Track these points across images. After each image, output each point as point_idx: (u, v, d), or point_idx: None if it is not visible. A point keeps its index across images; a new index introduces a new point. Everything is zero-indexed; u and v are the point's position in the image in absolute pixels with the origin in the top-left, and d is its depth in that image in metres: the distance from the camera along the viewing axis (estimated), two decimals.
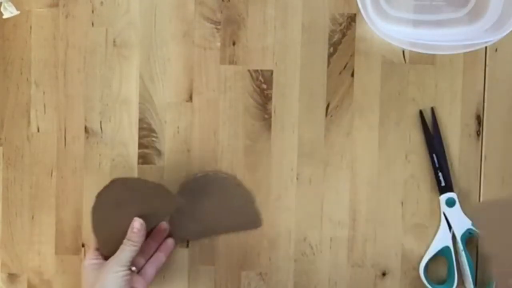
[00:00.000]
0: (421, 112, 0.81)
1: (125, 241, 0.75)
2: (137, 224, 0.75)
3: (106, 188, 0.78)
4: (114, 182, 0.78)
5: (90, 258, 0.77)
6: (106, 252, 0.76)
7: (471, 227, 0.80)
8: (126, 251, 0.75)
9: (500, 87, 0.82)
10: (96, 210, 0.78)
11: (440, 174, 0.81)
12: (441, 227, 0.81)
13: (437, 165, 0.81)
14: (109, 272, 0.74)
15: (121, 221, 0.76)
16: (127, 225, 0.76)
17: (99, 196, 0.78)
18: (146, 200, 0.77)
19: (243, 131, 0.82)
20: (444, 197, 0.81)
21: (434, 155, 0.81)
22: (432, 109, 0.81)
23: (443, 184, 0.81)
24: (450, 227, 0.80)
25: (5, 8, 0.79)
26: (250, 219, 0.82)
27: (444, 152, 0.81)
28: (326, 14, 0.81)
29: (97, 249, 0.78)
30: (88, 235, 0.82)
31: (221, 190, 0.81)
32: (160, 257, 0.79)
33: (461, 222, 0.80)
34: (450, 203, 0.80)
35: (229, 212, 0.81)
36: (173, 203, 0.78)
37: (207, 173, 0.81)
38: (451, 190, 0.81)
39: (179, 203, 0.79)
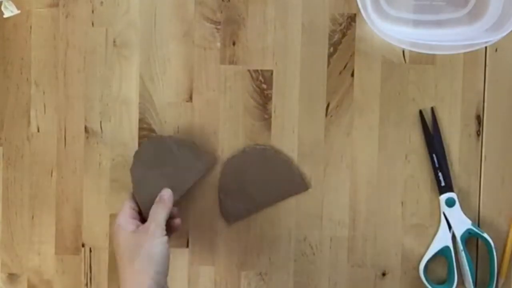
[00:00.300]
0: (421, 112, 0.81)
1: (157, 203, 0.74)
2: (165, 193, 0.75)
3: (143, 147, 0.80)
4: (150, 141, 0.80)
5: (127, 218, 0.74)
6: (146, 213, 0.76)
7: (471, 227, 0.80)
8: (161, 213, 0.73)
9: (500, 87, 0.82)
10: (135, 170, 0.80)
11: (440, 174, 0.81)
12: (441, 227, 0.81)
13: (437, 165, 0.81)
14: (154, 237, 0.71)
15: (158, 181, 0.78)
16: (164, 185, 0.77)
17: (137, 155, 0.80)
18: (182, 158, 0.79)
19: (243, 131, 0.82)
20: (444, 197, 0.81)
21: (434, 155, 0.81)
22: (432, 109, 0.81)
23: (443, 184, 0.81)
24: (450, 227, 0.80)
25: (5, 7, 0.79)
26: (297, 183, 0.82)
27: (444, 152, 0.81)
28: (326, 14, 0.81)
29: (133, 209, 0.77)
30: (89, 234, 0.82)
31: (262, 161, 0.81)
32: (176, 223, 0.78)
33: (461, 222, 0.80)
34: (450, 203, 0.80)
35: (275, 181, 0.82)
36: (209, 161, 0.81)
37: (244, 150, 0.82)
38: (451, 190, 0.81)
39: (214, 160, 0.81)
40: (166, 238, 0.72)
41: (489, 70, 0.82)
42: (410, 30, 0.81)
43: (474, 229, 0.80)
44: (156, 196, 0.76)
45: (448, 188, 0.81)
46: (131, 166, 0.80)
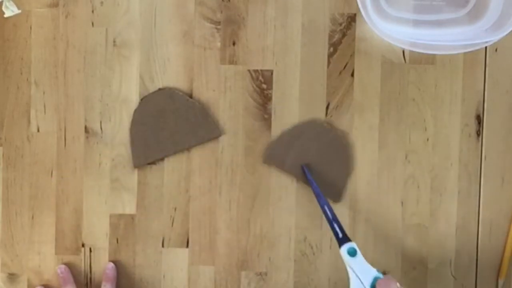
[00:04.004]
0: (302, 168, 0.80)
1: (105, 282, 0.81)
2: (109, 268, 0.81)
3: (153, 94, 0.81)
4: (162, 90, 0.81)
5: None
6: (137, 161, 0.80)
7: (377, 273, 0.73)
8: None
9: (500, 87, 0.82)
10: (138, 112, 0.81)
11: (335, 225, 0.76)
12: (351, 280, 0.74)
13: (330, 217, 0.76)
14: None
15: (157, 130, 0.79)
16: (163, 136, 0.80)
17: (144, 99, 0.81)
18: (187, 119, 0.80)
19: (243, 131, 0.82)
20: (344, 248, 0.74)
21: (325, 207, 0.77)
22: (308, 165, 0.80)
23: (340, 235, 0.75)
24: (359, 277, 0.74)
25: (6, 7, 0.79)
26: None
27: (329, 203, 0.78)
28: (326, 14, 0.81)
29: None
30: (89, 234, 0.82)
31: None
32: None
33: (366, 272, 0.74)
34: (352, 253, 0.74)
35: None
36: (212, 132, 0.81)
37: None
38: (349, 240, 0.75)
39: (219, 133, 0.81)
40: None
41: (489, 70, 0.82)
42: (410, 30, 0.81)
43: (381, 276, 0.74)
44: (149, 143, 0.79)
45: (346, 238, 0.75)
46: (135, 108, 0.81)
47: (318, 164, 0.81)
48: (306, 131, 0.81)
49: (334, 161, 0.81)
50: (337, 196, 0.82)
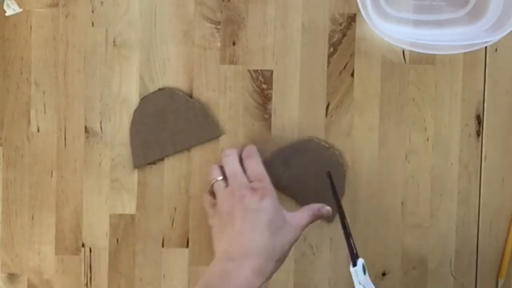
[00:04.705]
0: (329, 173, 0.76)
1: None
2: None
3: (153, 94, 0.81)
4: (162, 90, 0.81)
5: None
6: (137, 161, 0.80)
7: None
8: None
9: (500, 87, 0.82)
10: (138, 112, 0.81)
11: (351, 240, 0.72)
12: None
13: (349, 231, 0.72)
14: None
15: (157, 130, 0.79)
16: (163, 136, 0.80)
17: (144, 99, 0.81)
18: (187, 119, 0.80)
19: (243, 131, 0.82)
20: (360, 263, 0.70)
21: (345, 220, 0.73)
22: (329, 173, 0.76)
23: (354, 251, 0.71)
24: None
25: (8, 6, 0.79)
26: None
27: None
28: (326, 14, 0.81)
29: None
30: (89, 234, 0.82)
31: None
32: None
33: None
34: (364, 270, 0.71)
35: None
36: (212, 132, 0.81)
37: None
38: (358, 256, 0.71)
39: (219, 133, 0.81)
40: None
41: (489, 70, 0.82)
42: (410, 30, 0.81)
43: None
44: (149, 143, 0.79)
45: (357, 255, 0.71)
46: (135, 108, 0.81)
47: (314, 183, 0.80)
48: (303, 149, 0.80)
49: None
50: (331, 216, 0.78)
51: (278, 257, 0.72)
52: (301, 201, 0.80)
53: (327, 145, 0.81)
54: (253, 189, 0.74)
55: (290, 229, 0.73)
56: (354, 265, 0.70)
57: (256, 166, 0.77)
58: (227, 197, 0.75)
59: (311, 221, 0.75)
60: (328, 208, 0.76)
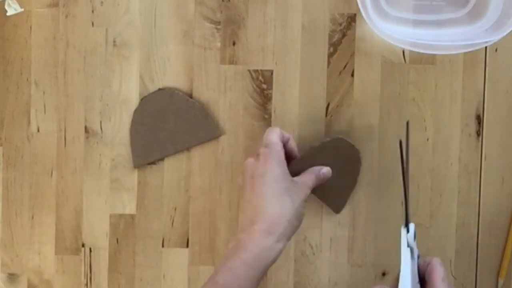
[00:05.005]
0: (400, 143, 0.71)
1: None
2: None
3: (153, 94, 0.81)
4: (162, 90, 0.81)
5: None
6: (137, 161, 0.80)
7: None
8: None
9: (500, 87, 0.82)
10: (138, 112, 0.81)
11: (408, 204, 0.70)
12: (407, 264, 0.69)
13: (407, 194, 0.70)
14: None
15: (157, 130, 0.79)
16: (163, 136, 0.79)
17: (144, 99, 0.81)
18: (187, 119, 0.80)
19: (243, 131, 0.82)
20: (412, 226, 0.70)
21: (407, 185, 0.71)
22: (400, 142, 0.71)
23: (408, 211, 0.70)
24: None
25: (9, 5, 0.79)
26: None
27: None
28: (326, 14, 0.81)
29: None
30: (89, 234, 0.82)
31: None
32: None
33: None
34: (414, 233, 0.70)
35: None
36: (212, 132, 0.81)
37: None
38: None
39: (219, 133, 0.81)
40: None
41: (489, 70, 0.82)
42: (410, 30, 0.81)
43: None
44: (149, 143, 0.79)
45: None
46: (136, 108, 0.81)
47: (331, 176, 0.78)
48: (329, 148, 0.79)
49: (345, 175, 0.80)
50: (339, 208, 0.81)
51: (290, 216, 0.71)
52: (324, 199, 0.81)
53: (350, 145, 0.80)
54: (257, 155, 0.74)
55: (298, 188, 0.73)
56: (406, 226, 0.70)
57: (270, 134, 0.75)
58: (242, 173, 0.75)
59: (316, 183, 0.76)
60: (328, 168, 0.77)
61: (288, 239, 0.71)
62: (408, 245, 0.70)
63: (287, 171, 0.74)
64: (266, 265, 0.70)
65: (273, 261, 0.70)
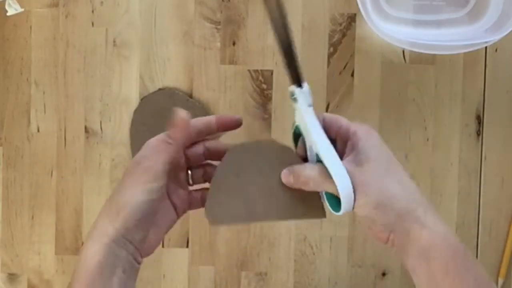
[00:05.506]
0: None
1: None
2: (181, 113, 0.56)
3: (153, 94, 0.81)
4: (162, 90, 0.81)
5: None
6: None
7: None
8: (162, 152, 0.56)
9: (500, 87, 0.82)
10: (138, 112, 0.81)
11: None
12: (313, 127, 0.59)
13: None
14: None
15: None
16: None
17: (144, 99, 0.81)
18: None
19: (243, 131, 0.82)
20: (306, 84, 0.59)
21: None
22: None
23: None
24: None
25: (9, 5, 0.79)
26: (313, 205, 0.58)
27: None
28: (326, 14, 0.81)
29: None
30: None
31: (277, 163, 0.59)
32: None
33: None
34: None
35: (288, 194, 0.58)
36: None
37: (260, 142, 0.65)
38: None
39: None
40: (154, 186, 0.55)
41: (489, 70, 0.82)
42: (410, 30, 0.81)
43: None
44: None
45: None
46: (135, 108, 0.81)
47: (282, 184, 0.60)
48: (252, 162, 0.63)
49: None
50: (322, 211, 0.59)
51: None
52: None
53: (282, 145, 0.64)
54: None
55: None
56: (299, 86, 0.59)
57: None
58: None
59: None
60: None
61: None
62: (310, 105, 0.59)
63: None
64: None
65: None
